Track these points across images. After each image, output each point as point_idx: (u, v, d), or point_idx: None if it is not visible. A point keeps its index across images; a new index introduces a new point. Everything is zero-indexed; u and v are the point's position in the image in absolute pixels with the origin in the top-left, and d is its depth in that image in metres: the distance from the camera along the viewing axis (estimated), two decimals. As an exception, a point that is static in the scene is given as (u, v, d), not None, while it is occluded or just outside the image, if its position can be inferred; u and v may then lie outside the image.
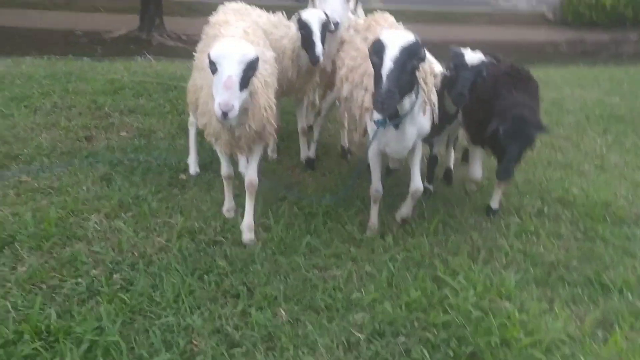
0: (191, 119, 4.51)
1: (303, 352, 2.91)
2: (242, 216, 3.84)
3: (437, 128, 4.25)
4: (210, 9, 4.44)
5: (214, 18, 4.15)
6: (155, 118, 5.58)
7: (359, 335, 3.06)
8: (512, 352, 3.00)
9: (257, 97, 3.43)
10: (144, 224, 3.81)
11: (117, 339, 2.79)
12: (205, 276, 3.37)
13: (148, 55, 8.65)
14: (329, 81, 4.69)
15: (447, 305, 3.29)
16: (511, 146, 3.82)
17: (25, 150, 4.66)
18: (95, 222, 3.76)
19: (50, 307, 2.98)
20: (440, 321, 3.16)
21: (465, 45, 4.13)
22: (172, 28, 11.76)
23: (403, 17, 4.34)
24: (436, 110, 3.83)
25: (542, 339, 3.08)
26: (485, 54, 4.12)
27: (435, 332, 3.10)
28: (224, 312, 3.12)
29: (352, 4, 4.42)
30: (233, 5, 4.34)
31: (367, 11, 4.85)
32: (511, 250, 3.95)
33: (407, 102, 3.45)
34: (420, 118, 3.68)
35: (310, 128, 5.10)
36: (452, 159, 4.99)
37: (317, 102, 5.24)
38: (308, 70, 4.41)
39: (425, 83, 3.64)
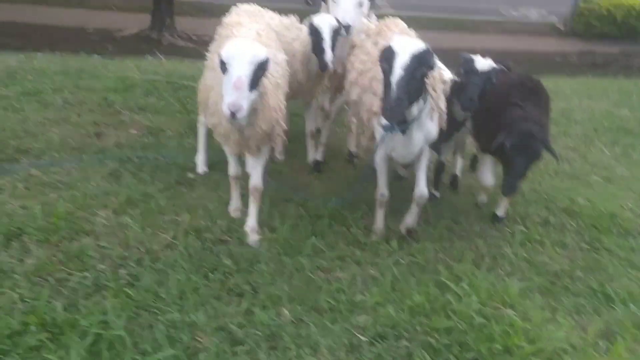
0: (201, 118, 4.55)
1: (305, 353, 2.93)
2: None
3: (445, 135, 4.25)
4: (221, 10, 4.48)
5: (227, 19, 4.19)
6: (165, 117, 5.62)
7: (362, 337, 3.07)
8: (514, 359, 3.00)
9: (267, 98, 3.45)
10: (151, 221, 3.84)
11: (122, 333, 2.81)
12: (211, 274, 3.40)
13: (159, 54, 8.71)
14: (338, 85, 4.71)
15: (450, 311, 3.29)
16: (517, 161, 3.81)
17: (35, 144, 4.70)
18: (103, 218, 3.80)
19: (56, 300, 3.02)
20: (443, 326, 3.17)
21: (475, 53, 4.15)
22: (183, 28, 11.82)
23: (414, 24, 4.36)
24: (444, 117, 3.85)
25: (544, 348, 3.08)
26: (496, 62, 4.12)
27: (438, 337, 3.11)
28: (228, 310, 3.14)
29: (365, 9, 4.44)
30: (246, 7, 4.38)
31: (379, 17, 4.87)
32: (515, 259, 3.95)
33: (415, 108, 3.47)
34: (428, 124, 3.70)
35: (319, 131, 5.13)
36: (459, 165, 5.00)
37: (326, 105, 5.26)
38: (318, 73, 4.44)
39: (434, 90, 3.67)
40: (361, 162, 5.27)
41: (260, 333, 3.00)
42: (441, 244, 4.04)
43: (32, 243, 3.45)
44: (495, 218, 4.44)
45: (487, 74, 3.96)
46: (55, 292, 3.10)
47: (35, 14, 12.42)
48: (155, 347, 2.81)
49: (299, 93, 4.63)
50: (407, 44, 3.32)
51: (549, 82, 4.15)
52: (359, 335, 3.08)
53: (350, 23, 4.21)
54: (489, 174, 4.33)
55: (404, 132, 3.57)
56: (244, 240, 3.78)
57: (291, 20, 4.59)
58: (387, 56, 3.30)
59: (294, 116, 5.66)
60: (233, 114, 3.06)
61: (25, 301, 2.98)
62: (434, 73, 3.57)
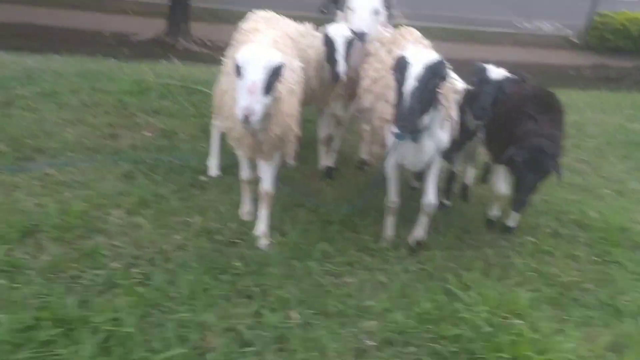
0: (215, 122, 4.60)
1: (313, 356, 2.95)
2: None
3: (457, 144, 4.27)
4: (236, 16, 4.55)
5: (244, 25, 4.24)
6: (179, 120, 5.68)
7: (370, 342, 3.09)
8: (522, 370, 3.00)
9: (281, 104, 3.49)
10: (163, 222, 3.89)
11: (133, 331, 2.85)
12: (221, 275, 3.44)
13: (173, 59, 8.80)
14: (351, 92, 4.73)
15: (458, 319, 3.30)
16: (526, 176, 3.78)
17: (51, 144, 4.77)
18: (117, 217, 3.85)
19: (69, 297, 3.06)
20: (451, 334, 3.18)
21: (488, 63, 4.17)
22: (198, 34, 11.94)
23: (427, 34, 4.39)
24: (456, 126, 3.86)
25: (552, 359, 3.08)
26: (510, 72, 4.13)
27: (445, 345, 3.12)
28: (237, 311, 3.18)
29: (382, 17, 4.47)
30: (263, 13, 4.43)
31: (394, 27, 4.90)
32: (525, 269, 3.95)
33: (426, 117, 3.49)
34: (439, 133, 3.72)
35: (331, 137, 5.15)
36: (470, 175, 5.01)
37: (339, 112, 5.28)
38: (331, 81, 4.47)
39: (446, 99, 3.69)
40: (372, 170, 5.30)
41: (268, 335, 3.03)
42: (450, 253, 4.05)
43: (46, 240, 3.51)
44: (505, 229, 4.43)
45: (500, 83, 3.98)
46: (68, 288, 3.15)
47: (52, 16, 12.61)
48: (165, 346, 2.85)
49: (312, 100, 4.67)
50: (420, 55, 3.35)
51: (562, 95, 4.14)
52: (367, 340, 3.10)
53: (366, 31, 4.24)
54: (503, 183, 4.28)
55: (415, 140, 3.60)
56: (255, 243, 3.81)
57: (306, 27, 4.64)
58: (400, 66, 3.34)
59: (306, 122, 5.71)
60: (246, 118, 3.10)
61: (39, 297, 3.03)
62: (447, 83, 3.60)
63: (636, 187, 5.69)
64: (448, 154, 4.41)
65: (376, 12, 4.36)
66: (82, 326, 2.86)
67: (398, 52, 3.58)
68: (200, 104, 6.02)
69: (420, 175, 4.77)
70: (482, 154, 4.76)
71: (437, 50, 3.60)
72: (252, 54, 3.14)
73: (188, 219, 3.97)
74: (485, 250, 4.13)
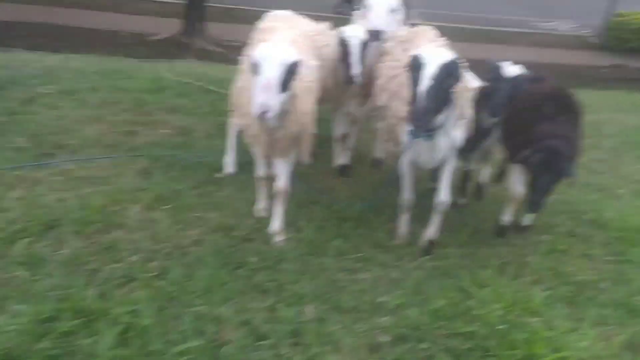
0: (232, 120, 4.65)
1: (327, 350, 2.98)
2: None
3: (474, 143, 4.26)
4: (252, 16, 4.59)
5: (261, 24, 4.29)
6: (195, 118, 5.75)
7: (383, 338, 3.11)
8: (537, 367, 3.00)
9: (298, 102, 3.53)
10: (180, 217, 3.95)
11: (150, 323, 2.91)
12: (237, 270, 3.49)
13: (190, 58, 8.90)
14: (367, 91, 4.75)
15: (472, 316, 3.31)
16: (542, 177, 3.73)
17: (72, 141, 4.87)
18: (135, 212, 3.91)
19: (89, 289, 3.13)
20: (465, 331, 3.19)
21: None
22: (214, 34, 12.03)
23: (443, 34, 4.40)
24: (471, 124, 3.86)
25: (567, 357, 3.07)
26: (527, 70, 4.12)
27: (459, 341, 3.12)
28: (252, 305, 3.22)
29: (399, 16, 4.48)
30: (280, 13, 4.47)
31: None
32: (540, 268, 3.94)
33: (441, 116, 3.49)
34: (454, 131, 3.72)
35: (346, 136, 5.18)
36: (484, 174, 5.00)
37: (354, 110, 5.30)
38: (345, 83, 4.49)
39: (461, 97, 3.69)
40: (386, 168, 5.32)
41: (283, 329, 3.06)
42: (465, 251, 4.05)
43: (67, 234, 3.58)
44: (520, 228, 4.42)
45: (515, 81, 3.97)
46: (88, 281, 3.21)
47: (70, 16, 12.79)
48: (182, 338, 2.89)
49: (327, 98, 4.70)
50: (435, 54, 3.36)
51: (579, 95, 4.11)
52: (381, 336, 3.12)
53: (383, 29, 4.26)
54: (519, 183, 4.25)
55: (429, 138, 3.60)
56: (270, 239, 3.85)
57: (324, 26, 4.67)
58: (415, 65, 3.35)
59: (320, 120, 5.74)
60: (262, 115, 3.14)
61: (59, 289, 3.10)
62: (462, 81, 3.60)
63: (654, 188, 5.63)
64: (464, 153, 4.41)
65: (393, 11, 4.37)
66: (102, 318, 2.92)
67: (413, 51, 3.59)
68: (216, 102, 6.09)
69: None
70: (498, 153, 4.74)
71: (453, 49, 3.61)
72: (269, 52, 3.18)
73: (205, 215, 4.02)
74: (499, 249, 4.13)
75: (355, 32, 4.25)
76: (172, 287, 3.23)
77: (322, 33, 4.60)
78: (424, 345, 3.09)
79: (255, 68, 3.16)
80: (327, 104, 4.87)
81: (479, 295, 3.49)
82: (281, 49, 3.26)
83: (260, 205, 4.17)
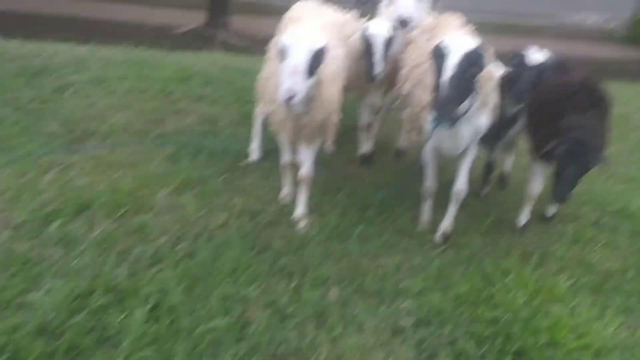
0: (258, 108, 4.72)
1: (351, 331, 3.03)
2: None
3: (498, 133, 4.25)
4: (276, 9, 4.63)
5: (289, 14, 4.34)
6: (221, 106, 5.84)
7: (406, 321, 3.14)
8: (560, 353, 3.01)
9: (324, 88, 3.56)
10: (206, 202, 4.03)
11: (179, 301, 2.99)
12: (262, 253, 3.55)
13: (215, 49, 9.01)
14: (390, 81, 4.76)
15: (496, 302, 3.33)
16: (568, 169, 3.68)
17: (101, 127, 4.99)
18: (163, 196, 4.01)
19: (120, 268, 3.23)
20: (488, 316, 3.21)
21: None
22: (237, 26, 12.13)
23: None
24: (495, 112, 3.84)
25: (591, 344, 3.08)
26: (555, 58, 4.08)
27: (482, 327, 3.14)
28: (278, 287, 3.28)
29: (426, 3, 4.47)
30: (308, 2, 4.51)
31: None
32: (565, 256, 3.93)
33: (464, 103, 3.49)
34: (477, 119, 3.70)
35: (370, 125, 5.20)
36: (508, 164, 4.98)
37: (377, 100, 5.31)
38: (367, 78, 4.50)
39: (485, 85, 3.67)
40: (409, 157, 5.34)
41: (307, 310, 3.12)
42: (488, 239, 4.06)
43: (98, 216, 3.68)
44: (544, 218, 4.40)
45: (540, 67, 3.94)
46: (118, 261, 3.31)
47: (97, 9, 13.04)
48: (209, 316, 2.97)
49: (351, 88, 4.72)
50: (459, 42, 3.34)
51: (608, 87, 4.04)
52: (403, 320, 3.15)
53: (410, 17, 4.26)
54: (537, 183, 4.22)
55: (452, 126, 3.60)
56: (294, 224, 3.91)
57: (350, 16, 4.70)
58: (438, 54, 3.34)
59: (343, 109, 5.77)
60: (288, 100, 3.19)
61: (92, 267, 3.20)
62: (486, 68, 3.58)
63: (682, 179, 5.54)
64: (488, 142, 4.40)
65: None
66: (132, 295, 3.02)
67: (438, 39, 3.59)
68: (241, 91, 6.17)
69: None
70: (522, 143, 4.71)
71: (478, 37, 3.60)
72: (296, 37, 3.23)
73: (230, 200, 4.09)
74: (523, 238, 4.13)
75: (379, 30, 4.25)
76: (199, 268, 3.31)
77: (348, 22, 4.62)
78: (446, 330, 3.12)
79: (282, 53, 3.21)
80: (351, 92, 4.90)
81: (502, 282, 3.50)
82: (309, 35, 3.30)
83: (285, 191, 4.23)
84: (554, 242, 4.11)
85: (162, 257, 3.39)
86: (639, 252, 4.10)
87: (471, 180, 4.82)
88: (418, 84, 3.97)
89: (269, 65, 3.91)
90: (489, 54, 3.49)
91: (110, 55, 6.85)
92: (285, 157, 4.11)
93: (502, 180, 4.98)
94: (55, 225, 3.51)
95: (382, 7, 4.77)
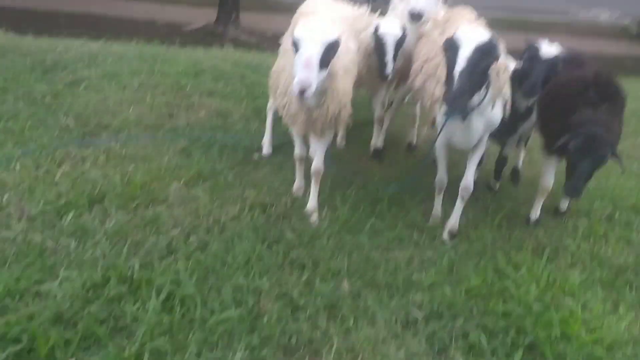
0: (270, 102, 4.73)
1: (363, 324, 3.03)
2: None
3: (511, 128, 4.23)
4: (285, 6, 4.64)
5: (302, 8, 4.34)
6: (232, 101, 5.87)
7: (418, 314, 3.15)
8: (573, 346, 2.99)
9: (336, 81, 3.56)
10: (219, 194, 4.05)
11: (193, 292, 3.01)
12: (274, 246, 3.56)
13: (226, 45, 9.04)
14: (402, 74, 4.76)
15: (508, 296, 3.32)
16: (581, 164, 3.65)
17: (114, 121, 5.03)
18: (176, 189, 4.03)
19: (133, 259, 3.25)
20: (500, 310, 3.20)
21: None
22: (247, 23, 12.18)
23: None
24: (508, 105, 3.82)
25: (604, 338, 3.06)
26: (568, 52, 4.05)
27: (494, 320, 3.13)
28: (290, 279, 3.29)
29: None
30: (319, -3, 4.51)
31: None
32: (577, 251, 3.91)
33: (476, 96, 3.48)
34: (489, 111, 3.67)
35: (381, 119, 5.19)
36: (521, 159, 4.96)
37: (388, 96, 5.30)
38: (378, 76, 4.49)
39: (498, 78, 3.65)
40: (420, 152, 5.33)
41: (320, 302, 3.12)
42: (500, 233, 4.05)
43: (112, 208, 3.71)
44: (557, 213, 4.38)
45: (552, 61, 3.92)
46: (132, 252, 3.33)
47: (109, 6, 13.14)
48: (222, 307, 2.98)
49: (360, 83, 4.71)
50: (472, 35, 3.31)
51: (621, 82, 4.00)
52: (415, 311, 3.15)
53: (422, 10, 4.25)
54: (549, 176, 4.20)
55: (464, 119, 3.59)
56: (306, 217, 3.92)
57: (362, 11, 4.69)
58: (451, 46, 3.32)
59: (354, 104, 5.78)
60: (302, 92, 3.19)
61: (106, 258, 3.23)
62: (499, 61, 3.56)
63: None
64: (501, 137, 4.39)
65: (434, -8, 4.36)
66: (146, 286, 3.04)
67: (450, 32, 3.57)
68: (252, 86, 6.19)
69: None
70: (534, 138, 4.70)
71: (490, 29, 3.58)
72: (310, 29, 3.23)
73: (242, 193, 4.11)
74: (536, 232, 4.11)
75: (390, 29, 4.24)
76: (211, 260, 3.33)
77: (360, 17, 4.62)
78: (458, 323, 3.11)
79: (296, 45, 3.21)
80: (363, 87, 4.90)
81: (514, 276, 3.49)
82: (322, 27, 3.30)
83: (297, 184, 4.24)
84: (567, 236, 4.09)
85: (175, 248, 3.41)
86: (652, 248, 4.07)
87: (484, 175, 4.85)
88: (430, 78, 3.96)
89: (282, 58, 3.92)
90: (502, 46, 3.47)
91: (122, 50, 6.91)
92: (298, 150, 4.12)
93: (515, 175, 4.96)
94: (69, 216, 3.55)
95: (396, 1, 4.77)
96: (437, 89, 3.79)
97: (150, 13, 13.20)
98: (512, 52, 4.13)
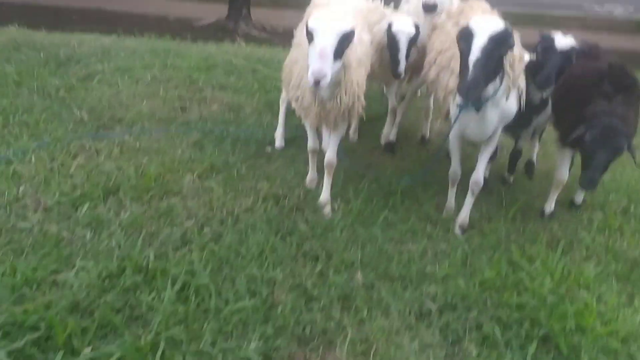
0: (283, 95, 4.73)
1: (377, 314, 3.03)
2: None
3: (525, 120, 4.20)
4: (296, 1, 4.63)
5: (316, 0, 4.34)
6: (244, 95, 5.89)
7: (432, 305, 3.14)
8: (587, 339, 2.97)
9: (350, 72, 3.55)
10: (232, 186, 4.07)
11: (207, 282, 3.03)
12: (288, 237, 3.57)
13: (238, 40, 9.06)
14: (416, 67, 4.74)
15: (522, 288, 3.30)
16: (597, 155, 3.61)
17: (128, 115, 5.07)
18: (189, 181, 4.06)
19: (148, 250, 3.27)
20: (514, 302, 3.18)
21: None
22: (258, 19, 12.16)
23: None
24: (524, 97, 3.79)
25: (619, 330, 3.04)
26: (582, 45, 4.01)
27: (509, 312, 3.12)
28: (303, 270, 3.29)
29: None
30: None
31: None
32: (592, 244, 3.88)
33: (490, 87, 3.45)
34: (504, 103, 3.64)
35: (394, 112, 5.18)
36: (535, 151, 4.92)
37: (400, 89, 5.29)
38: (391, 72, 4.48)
39: (512, 68, 3.62)
40: (432, 145, 5.31)
41: (333, 293, 3.13)
42: (514, 225, 4.03)
43: (126, 199, 3.75)
44: (572, 204, 4.35)
45: (567, 53, 3.88)
46: (147, 242, 3.36)
47: (120, 2, 13.18)
48: (236, 297, 2.99)
49: (374, 77, 4.70)
50: (485, 24, 3.27)
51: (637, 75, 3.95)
52: (429, 303, 3.15)
53: (436, 2, 4.23)
54: (564, 169, 4.16)
55: (478, 110, 3.56)
56: (319, 209, 3.93)
57: (376, 4, 4.68)
58: (465, 36, 3.29)
59: (366, 98, 5.77)
60: (316, 82, 3.18)
61: (121, 249, 3.26)
62: (513, 51, 3.53)
63: None
64: (515, 130, 4.36)
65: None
66: (161, 276, 3.06)
67: (464, 23, 3.55)
68: (264, 80, 6.21)
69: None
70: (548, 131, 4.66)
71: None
72: (324, 20, 3.21)
73: (255, 185, 4.12)
74: (550, 225, 4.09)
75: (404, 26, 4.23)
76: (226, 251, 3.34)
77: (374, 10, 4.60)
78: (472, 314, 3.10)
79: (310, 36, 3.20)
80: (375, 81, 4.89)
81: (528, 269, 3.47)
82: (336, 17, 3.29)
83: (311, 176, 4.25)
84: (582, 229, 4.06)
85: (189, 239, 3.43)
86: (668, 241, 4.03)
87: (498, 168, 4.83)
88: (444, 70, 3.93)
89: (296, 50, 3.92)
90: (516, 37, 3.43)
91: (134, 45, 6.96)
92: (312, 142, 4.12)
93: (529, 168, 4.92)
94: (84, 208, 3.58)
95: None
96: (450, 81, 3.77)
97: (161, 9, 13.23)
98: (526, 47, 4.09)
